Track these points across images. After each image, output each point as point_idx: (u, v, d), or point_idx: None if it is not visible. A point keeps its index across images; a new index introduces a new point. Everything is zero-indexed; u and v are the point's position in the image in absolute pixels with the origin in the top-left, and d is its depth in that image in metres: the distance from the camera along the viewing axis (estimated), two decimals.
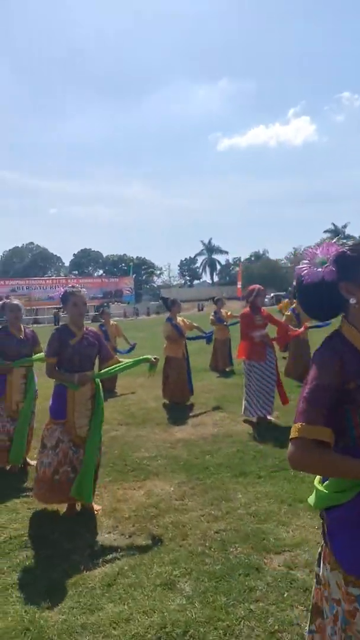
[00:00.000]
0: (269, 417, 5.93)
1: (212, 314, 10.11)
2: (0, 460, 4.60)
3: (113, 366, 3.80)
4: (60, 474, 3.51)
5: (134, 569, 2.86)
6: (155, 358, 3.81)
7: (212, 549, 3.03)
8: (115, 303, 51.44)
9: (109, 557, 3.03)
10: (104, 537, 3.30)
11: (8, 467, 4.66)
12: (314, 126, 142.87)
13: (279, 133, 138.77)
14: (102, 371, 3.83)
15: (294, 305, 8.63)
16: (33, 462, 4.62)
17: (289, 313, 8.46)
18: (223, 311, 10.13)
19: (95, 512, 3.64)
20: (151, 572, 2.82)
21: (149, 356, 3.84)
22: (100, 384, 3.77)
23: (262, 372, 5.88)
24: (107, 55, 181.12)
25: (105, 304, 50.00)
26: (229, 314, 10.25)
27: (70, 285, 3.79)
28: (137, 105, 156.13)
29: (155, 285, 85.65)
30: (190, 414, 6.66)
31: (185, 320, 7.41)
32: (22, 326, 4.78)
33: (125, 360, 3.86)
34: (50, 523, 3.54)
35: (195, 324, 7.53)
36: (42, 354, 4.73)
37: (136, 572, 2.83)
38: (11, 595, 2.68)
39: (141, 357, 3.85)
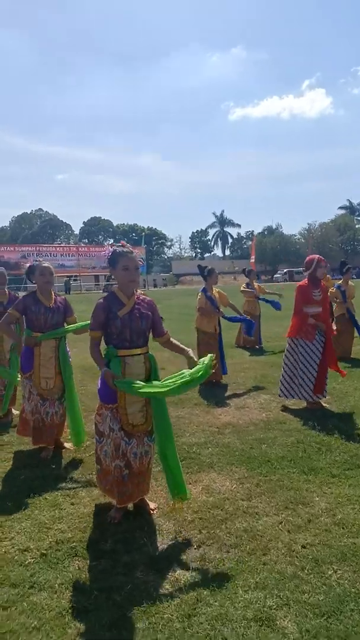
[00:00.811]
0: (323, 404, 5.36)
1: (244, 285, 9.46)
2: (37, 439, 4.19)
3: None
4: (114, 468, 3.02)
5: (215, 595, 2.33)
6: None
7: (306, 571, 2.49)
8: None
9: (179, 574, 2.50)
10: (168, 547, 2.77)
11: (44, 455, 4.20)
12: (330, 99, 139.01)
13: (292, 105, 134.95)
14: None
15: (340, 281, 7.98)
16: (68, 445, 4.38)
17: (334, 290, 7.80)
18: (256, 284, 9.48)
19: (152, 512, 3.11)
20: (237, 599, 2.29)
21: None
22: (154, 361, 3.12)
23: (308, 352, 5.28)
24: (120, 23, 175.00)
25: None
26: (261, 287, 9.60)
27: (120, 244, 3.12)
28: (149, 73, 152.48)
29: (166, 257, 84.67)
30: (229, 394, 6.11)
31: (221, 292, 6.79)
32: (53, 293, 4.21)
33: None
34: (100, 525, 3.01)
35: (230, 302, 6.81)
36: (77, 325, 4.24)
37: (219, 599, 2.29)
38: (69, 625, 2.15)
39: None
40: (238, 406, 5.57)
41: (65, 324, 4.29)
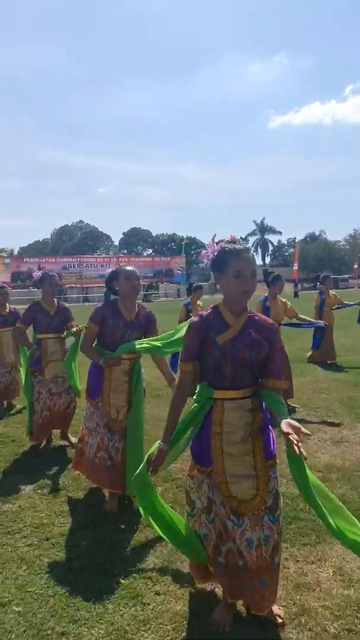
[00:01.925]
0: None
1: (318, 294, 8.45)
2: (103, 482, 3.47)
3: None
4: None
5: None
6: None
7: None
8: (165, 283, 50.14)
9: None
10: None
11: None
12: None
13: (335, 111, 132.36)
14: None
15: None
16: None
17: None
18: (331, 293, 8.43)
19: (278, 620, 2.17)
20: None
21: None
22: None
23: None
24: (161, 32, 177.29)
25: (154, 283, 49.06)
26: (336, 296, 8.55)
27: (229, 240, 2.30)
28: (189, 83, 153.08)
29: (204, 266, 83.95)
30: (316, 422, 5.12)
31: (287, 302, 5.75)
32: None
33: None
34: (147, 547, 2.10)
35: (298, 314, 5.78)
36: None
37: None
38: None
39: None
40: (335, 440, 4.57)
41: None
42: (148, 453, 2.24)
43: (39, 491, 3.63)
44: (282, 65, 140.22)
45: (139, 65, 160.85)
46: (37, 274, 4.65)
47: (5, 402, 6.20)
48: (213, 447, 2.10)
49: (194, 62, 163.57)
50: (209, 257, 2.09)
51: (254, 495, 2.05)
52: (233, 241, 2.10)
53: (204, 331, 2.10)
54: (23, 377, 5.07)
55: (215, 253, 2.08)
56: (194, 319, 2.17)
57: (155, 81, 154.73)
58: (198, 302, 7.33)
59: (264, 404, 2.14)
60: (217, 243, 2.12)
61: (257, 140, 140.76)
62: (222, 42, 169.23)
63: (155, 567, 2.61)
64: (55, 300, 4.66)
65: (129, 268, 3.41)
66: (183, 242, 54.07)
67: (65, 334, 4.60)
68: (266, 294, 5.71)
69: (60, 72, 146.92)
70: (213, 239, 2.12)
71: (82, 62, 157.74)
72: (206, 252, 2.11)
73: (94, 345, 3.46)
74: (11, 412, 6.03)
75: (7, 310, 6.12)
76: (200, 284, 7.58)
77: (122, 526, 3.10)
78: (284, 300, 5.71)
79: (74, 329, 4.32)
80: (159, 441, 2.20)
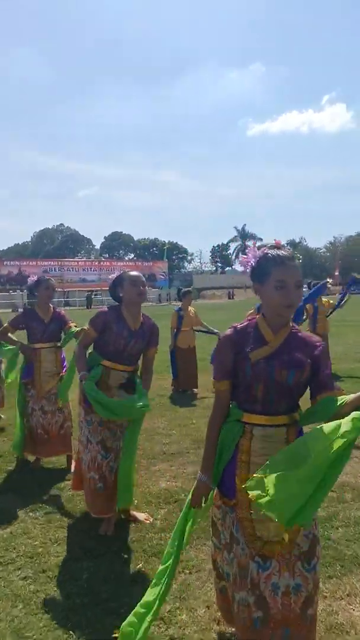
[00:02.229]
0: None
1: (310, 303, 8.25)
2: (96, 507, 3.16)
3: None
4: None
5: None
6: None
7: None
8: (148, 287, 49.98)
9: None
10: None
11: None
12: (351, 113, 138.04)
13: (312, 119, 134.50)
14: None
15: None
16: (142, 516, 3.47)
17: None
18: (324, 299, 8.27)
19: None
20: None
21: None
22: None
23: None
24: (139, 40, 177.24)
25: None
26: (330, 302, 8.39)
27: (274, 244, 2.06)
28: (168, 91, 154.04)
29: (186, 271, 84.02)
30: None
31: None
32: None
33: None
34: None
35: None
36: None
37: None
38: None
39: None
40: None
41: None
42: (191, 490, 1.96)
43: (31, 514, 3.34)
44: (259, 74, 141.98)
45: (120, 73, 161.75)
46: (32, 278, 4.33)
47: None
48: (238, 476, 1.83)
49: (172, 70, 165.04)
50: (250, 264, 1.84)
51: (281, 537, 1.74)
52: (278, 246, 1.84)
53: (238, 345, 1.83)
54: (6, 385, 4.83)
55: (257, 260, 1.83)
56: (227, 331, 1.91)
57: (135, 89, 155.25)
58: (190, 307, 7.26)
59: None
60: (258, 248, 1.86)
61: (236, 148, 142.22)
62: (199, 51, 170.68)
63: (167, 606, 2.34)
64: (51, 306, 4.32)
65: (133, 273, 3.10)
66: (165, 247, 53.94)
67: (61, 342, 4.28)
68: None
69: (42, 79, 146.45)
70: (255, 244, 1.86)
71: (63, 70, 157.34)
72: (246, 258, 1.86)
73: (88, 352, 3.17)
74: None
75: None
76: (189, 289, 7.49)
77: (125, 556, 2.82)
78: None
79: (74, 329, 4.01)
80: (199, 473, 1.92)
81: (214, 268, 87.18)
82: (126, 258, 75.21)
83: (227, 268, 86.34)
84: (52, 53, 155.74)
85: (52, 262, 47.84)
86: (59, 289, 44.68)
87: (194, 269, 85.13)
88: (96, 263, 49.63)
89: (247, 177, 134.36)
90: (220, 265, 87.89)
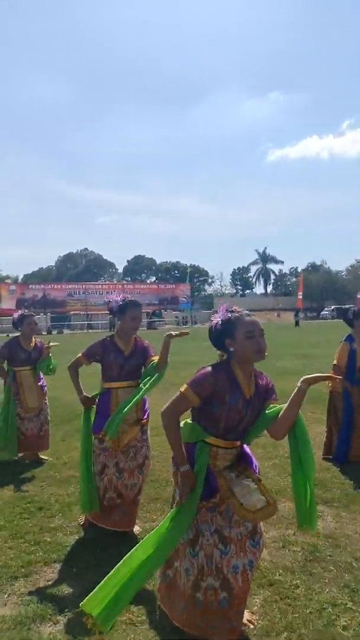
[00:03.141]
0: None
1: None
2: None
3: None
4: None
5: None
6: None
7: None
8: (167, 310, 50.55)
9: None
10: None
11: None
12: None
13: (332, 145, 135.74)
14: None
15: None
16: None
17: None
18: None
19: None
20: None
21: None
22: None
23: None
24: (157, 66, 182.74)
25: (157, 311, 49.35)
26: None
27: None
28: (186, 116, 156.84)
29: (207, 294, 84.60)
30: None
31: None
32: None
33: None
34: None
35: None
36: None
37: None
38: None
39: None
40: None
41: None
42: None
43: None
44: (278, 102, 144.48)
45: (138, 100, 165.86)
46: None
47: (26, 455, 5.28)
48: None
49: (191, 96, 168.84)
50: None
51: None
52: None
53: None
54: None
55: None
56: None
57: (153, 114, 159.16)
58: None
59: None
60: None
61: (256, 173, 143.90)
62: (218, 78, 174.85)
63: None
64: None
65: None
66: (188, 270, 54.66)
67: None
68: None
69: (62, 105, 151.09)
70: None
71: (83, 96, 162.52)
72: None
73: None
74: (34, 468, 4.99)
75: (32, 345, 5.21)
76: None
77: None
78: None
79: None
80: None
81: (234, 291, 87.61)
82: (148, 281, 76.25)
83: (247, 290, 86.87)
84: (71, 78, 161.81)
85: (76, 285, 49.14)
86: (82, 312, 46.13)
87: (214, 292, 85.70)
88: (119, 286, 50.62)
89: (266, 201, 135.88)
90: (240, 287, 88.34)
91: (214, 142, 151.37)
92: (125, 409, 3.24)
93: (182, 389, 2.26)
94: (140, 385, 3.40)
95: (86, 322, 45.45)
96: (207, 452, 2.30)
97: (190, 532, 2.30)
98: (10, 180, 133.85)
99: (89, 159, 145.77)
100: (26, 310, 5.30)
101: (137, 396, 3.31)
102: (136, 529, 3.51)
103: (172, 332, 3.35)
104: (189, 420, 2.40)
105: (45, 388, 5.41)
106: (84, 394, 3.54)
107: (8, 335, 6.39)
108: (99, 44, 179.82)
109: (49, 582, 2.92)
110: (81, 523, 3.65)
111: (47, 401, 5.38)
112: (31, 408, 5.13)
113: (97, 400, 3.54)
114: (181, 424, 2.34)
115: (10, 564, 3.10)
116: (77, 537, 3.48)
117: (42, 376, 5.31)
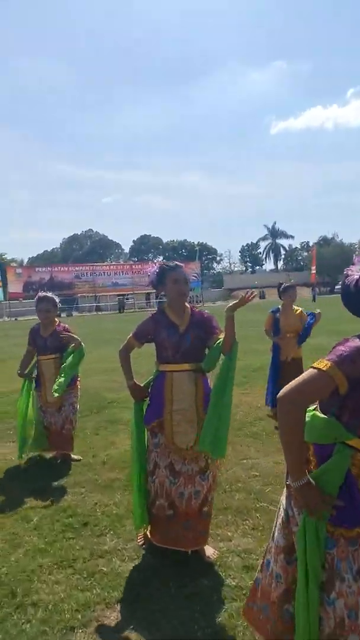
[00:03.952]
0: None
1: None
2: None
3: None
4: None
5: None
6: None
7: None
8: None
9: None
10: None
11: None
12: None
13: (337, 114, 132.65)
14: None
15: None
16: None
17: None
18: None
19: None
20: None
21: None
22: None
23: None
24: (158, 42, 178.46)
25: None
26: None
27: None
28: (189, 93, 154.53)
29: (216, 272, 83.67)
30: None
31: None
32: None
33: None
34: None
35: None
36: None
37: None
38: None
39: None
40: None
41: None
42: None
43: None
44: (281, 70, 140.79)
45: (139, 76, 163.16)
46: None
47: (57, 455, 4.67)
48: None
49: (192, 72, 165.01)
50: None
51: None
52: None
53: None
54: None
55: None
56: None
57: (155, 92, 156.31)
58: (294, 307, 5.58)
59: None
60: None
61: (261, 147, 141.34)
62: (219, 52, 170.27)
63: None
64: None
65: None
66: (197, 248, 53.74)
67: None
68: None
69: (64, 88, 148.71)
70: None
71: (84, 78, 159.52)
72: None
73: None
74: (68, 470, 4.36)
75: (50, 331, 4.58)
76: (290, 283, 5.83)
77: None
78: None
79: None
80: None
81: (244, 268, 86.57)
82: (155, 261, 75.29)
83: (257, 267, 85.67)
84: (73, 61, 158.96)
85: (83, 267, 48.19)
86: (90, 294, 45.41)
87: (223, 270, 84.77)
88: (127, 266, 49.79)
89: (272, 175, 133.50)
90: (250, 264, 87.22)
91: (218, 118, 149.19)
92: None
93: (321, 366, 1.57)
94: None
95: (94, 304, 44.86)
96: (349, 459, 1.61)
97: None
98: (15, 163, 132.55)
99: (92, 140, 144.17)
100: (42, 293, 4.67)
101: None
102: (210, 552, 2.84)
103: (231, 304, 2.61)
104: (319, 413, 1.70)
105: (77, 382, 4.73)
106: (134, 381, 2.95)
107: (16, 319, 5.74)
108: (98, 29, 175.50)
109: (117, 634, 2.27)
110: (140, 543, 2.98)
111: (75, 398, 4.67)
112: (49, 402, 4.55)
113: (149, 389, 2.95)
114: (307, 417, 1.67)
115: (62, 608, 2.43)
116: (137, 563, 2.82)
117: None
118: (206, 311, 2.96)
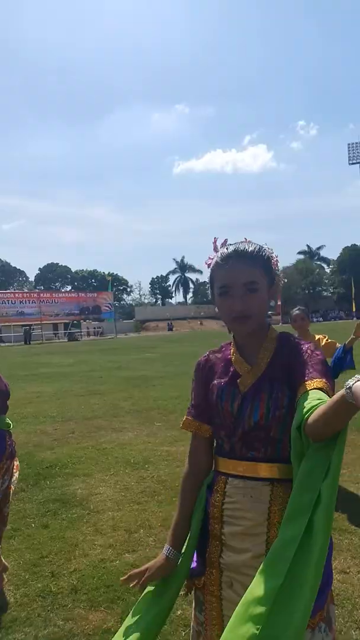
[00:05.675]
0: None
1: None
2: None
3: None
4: None
5: None
6: None
7: None
8: (87, 321, 47.40)
9: None
10: None
11: None
12: (271, 153, 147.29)
13: (236, 158, 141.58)
14: None
15: None
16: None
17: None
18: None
19: None
20: None
21: None
22: None
23: None
24: (66, 77, 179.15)
25: (76, 321, 45.90)
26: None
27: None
28: (94, 129, 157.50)
29: (126, 303, 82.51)
30: None
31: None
32: None
33: None
34: None
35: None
36: None
37: None
38: None
39: None
40: None
41: None
42: None
43: None
44: (184, 114, 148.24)
45: (47, 109, 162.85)
46: None
47: None
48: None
49: (99, 109, 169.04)
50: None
51: None
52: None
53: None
54: None
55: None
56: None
57: (63, 126, 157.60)
58: (315, 335, 4.59)
59: None
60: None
61: (165, 184, 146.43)
62: (123, 91, 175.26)
63: None
64: None
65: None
66: (109, 278, 52.20)
67: None
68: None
69: None
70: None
71: None
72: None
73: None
74: None
75: None
76: (299, 309, 4.62)
77: None
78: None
79: None
80: None
81: (154, 300, 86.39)
82: (63, 290, 72.29)
83: (167, 299, 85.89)
84: None
85: None
86: None
87: (133, 301, 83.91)
88: (35, 295, 46.67)
89: (177, 211, 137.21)
90: (160, 296, 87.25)
91: (123, 154, 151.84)
92: None
93: None
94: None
95: None
96: None
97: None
98: None
99: None
100: None
101: None
102: None
103: None
104: None
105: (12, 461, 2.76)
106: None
107: None
108: (5, 57, 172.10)
109: None
110: None
111: (10, 483, 2.75)
112: None
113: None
114: None
115: None
116: None
117: None
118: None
